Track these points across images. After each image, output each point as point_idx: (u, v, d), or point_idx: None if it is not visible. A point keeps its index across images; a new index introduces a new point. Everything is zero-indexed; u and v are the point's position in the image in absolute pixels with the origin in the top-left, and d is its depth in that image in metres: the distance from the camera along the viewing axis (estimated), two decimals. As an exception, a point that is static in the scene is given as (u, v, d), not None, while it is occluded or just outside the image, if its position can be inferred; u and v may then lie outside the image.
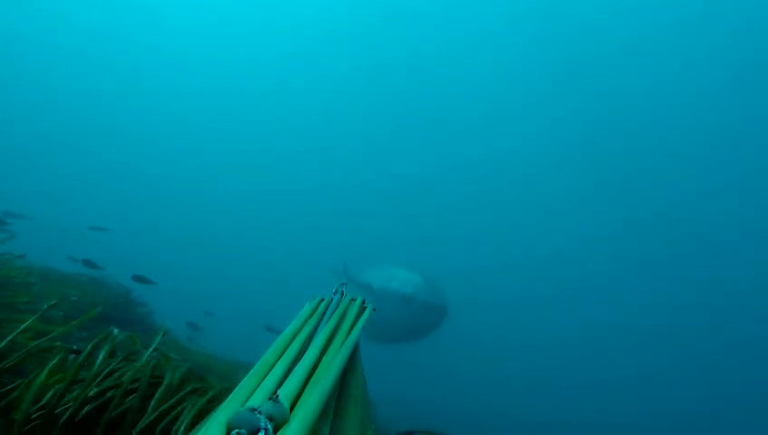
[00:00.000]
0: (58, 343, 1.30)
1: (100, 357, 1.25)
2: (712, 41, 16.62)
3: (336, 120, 22.95)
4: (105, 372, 1.21)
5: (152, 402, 1.18)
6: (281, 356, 0.69)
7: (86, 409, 1.12)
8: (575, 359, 15.03)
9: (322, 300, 0.94)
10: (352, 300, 0.97)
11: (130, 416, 1.13)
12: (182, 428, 1.13)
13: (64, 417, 1.08)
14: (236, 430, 0.49)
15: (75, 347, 1.29)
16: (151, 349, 1.36)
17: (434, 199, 21.45)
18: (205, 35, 22.43)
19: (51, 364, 1.16)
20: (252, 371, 0.66)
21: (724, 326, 17.31)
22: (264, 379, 0.62)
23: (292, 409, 0.57)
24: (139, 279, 4.10)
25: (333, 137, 22.86)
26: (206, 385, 1.33)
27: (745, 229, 18.23)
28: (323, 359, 0.70)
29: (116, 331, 1.44)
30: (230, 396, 0.58)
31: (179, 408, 1.18)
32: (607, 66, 18.43)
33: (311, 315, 0.87)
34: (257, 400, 0.58)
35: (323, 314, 0.90)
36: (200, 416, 1.18)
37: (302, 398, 0.60)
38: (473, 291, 12.90)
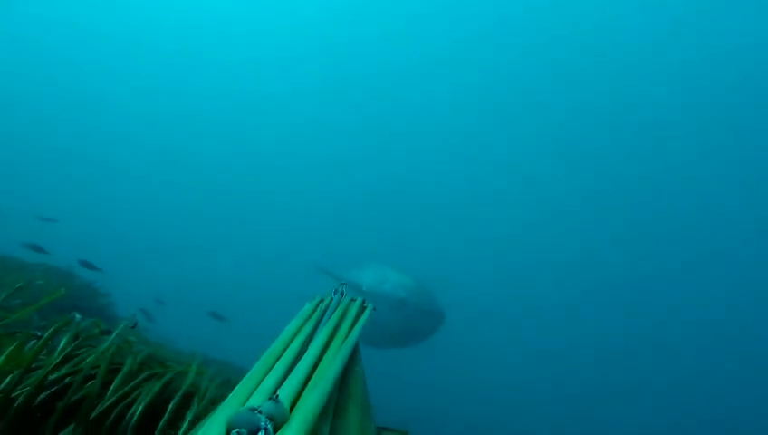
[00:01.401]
0: (18, 332, 1.29)
1: (62, 343, 1.25)
2: (713, 42, 16.61)
3: (327, 121, 22.95)
4: (62, 358, 1.21)
5: (111, 388, 1.18)
6: (281, 356, 0.69)
7: (43, 395, 1.13)
8: (573, 365, 14.93)
9: (322, 300, 0.95)
10: (352, 300, 0.97)
11: (88, 402, 1.13)
12: (138, 411, 1.14)
13: (18, 402, 1.08)
14: (236, 430, 0.50)
15: (39, 334, 1.28)
16: (114, 334, 1.36)
17: (428, 201, 21.44)
18: (178, 32, 22.28)
19: (8, 350, 1.15)
20: (252, 370, 0.66)
21: (728, 330, 17.22)
22: (264, 379, 0.63)
23: (292, 409, 0.57)
24: (86, 264, 4.07)
25: (322, 136, 22.84)
26: (166, 369, 1.34)
27: (750, 231, 18.11)
28: (323, 359, 0.71)
29: (78, 316, 1.43)
30: (230, 396, 0.59)
31: (134, 394, 1.19)
32: (607, 68, 18.43)
33: (310, 315, 0.87)
34: (257, 399, 0.58)
35: (323, 313, 0.90)
36: (155, 400, 1.19)
37: (302, 398, 0.60)
38: (466, 294, 12.84)
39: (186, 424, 1.19)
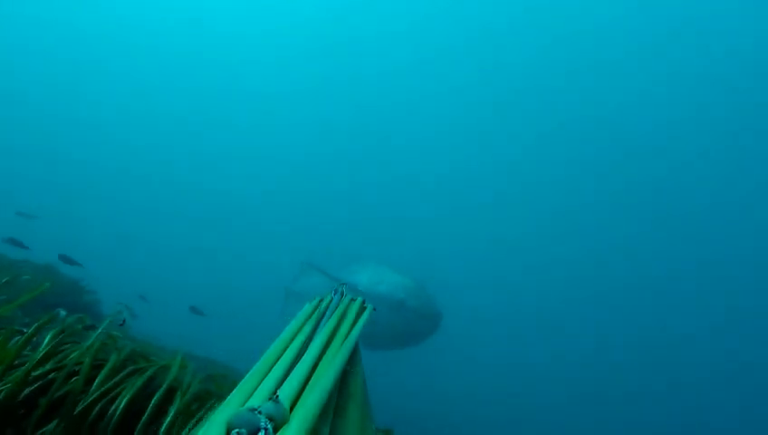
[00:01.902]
0: (2, 328, 1.28)
1: (46, 339, 1.25)
2: (713, 44, 16.52)
3: (327, 121, 22.81)
4: (43, 353, 1.21)
5: (95, 383, 1.19)
6: (281, 356, 0.69)
7: (26, 391, 1.13)
8: (570, 368, 14.88)
9: (322, 300, 0.95)
10: (352, 300, 0.97)
11: (71, 397, 1.13)
12: (120, 406, 1.15)
13: (0, 398, 1.08)
14: (236, 430, 0.50)
15: (24, 330, 1.27)
16: (100, 330, 1.36)
17: (427, 201, 21.42)
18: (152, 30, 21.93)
19: (-9, 346, 1.15)
20: (252, 371, 0.66)
21: (728, 330, 17.28)
22: (263, 379, 0.62)
23: (292, 409, 0.57)
24: (66, 260, 3.98)
25: (320, 137, 22.69)
26: (151, 364, 1.35)
27: (751, 233, 18.08)
28: (323, 359, 0.71)
29: (63, 312, 1.43)
30: (230, 396, 0.59)
31: (118, 389, 1.20)
32: (605, 71, 18.43)
33: (310, 315, 0.87)
34: (257, 400, 0.58)
35: (323, 313, 0.90)
36: (138, 395, 1.20)
37: (301, 398, 0.60)
38: (462, 295, 12.82)
39: (168, 419, 1.19)
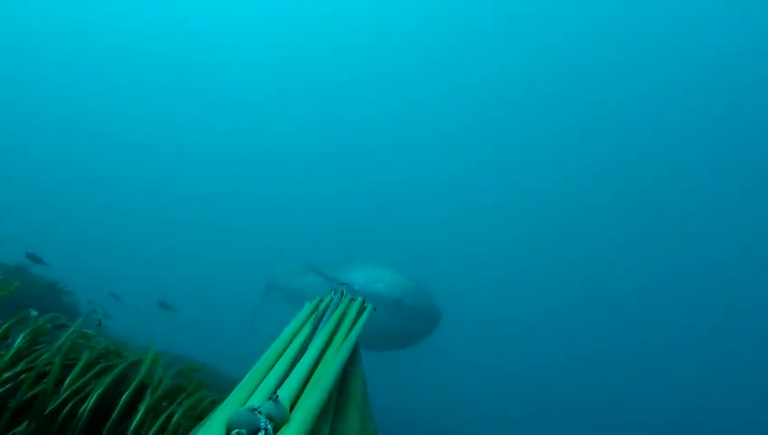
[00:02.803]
0: None
1: (18, 340, 1.24)
2: (714, 42, 16.62)
3: (326, 122, 22.76)
4: (14, 354, 1.21)
5: (65, 383, 1.19)
6: (281, 356, 0.69)
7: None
8: (568, 370, 14.83)
9: (322, 300, 0.95)
10: (352, 300, 0.97)
11: (41, 398, 1.13)
12: (89, 405, 1.15)
13: None
14: (236, 430, 0.50)
15: None
16: (70, 330, 1.35)
17: (426, 202, 21.41)
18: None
19: (-39, 349, 1.15)
20: (252, 370, 0.66)
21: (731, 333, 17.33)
22: (263, 379, 0.62)
23: (291, 409, 0.57)
24: (33, 258, 3.96)
25: (320, 138, 22.64)
26: (122, 360, 1.34)
27: (750, 236, 18.16)
28: (323, 359, 0.70)
29: (34, 312, 1.41)
30: (230, 396, 0.58)
31: (88, 388, 1.20)
32: (605, 72, 18.41)
33: (310, 315, 0.87)
34: (257, 400, 0.58)
35: (323, 313, 0.90)
36: (109, 392, 1.19)
37: (301, 398, 0.60)
38: (460, 297, 12.76)
39: (138, 416, 1.19)
